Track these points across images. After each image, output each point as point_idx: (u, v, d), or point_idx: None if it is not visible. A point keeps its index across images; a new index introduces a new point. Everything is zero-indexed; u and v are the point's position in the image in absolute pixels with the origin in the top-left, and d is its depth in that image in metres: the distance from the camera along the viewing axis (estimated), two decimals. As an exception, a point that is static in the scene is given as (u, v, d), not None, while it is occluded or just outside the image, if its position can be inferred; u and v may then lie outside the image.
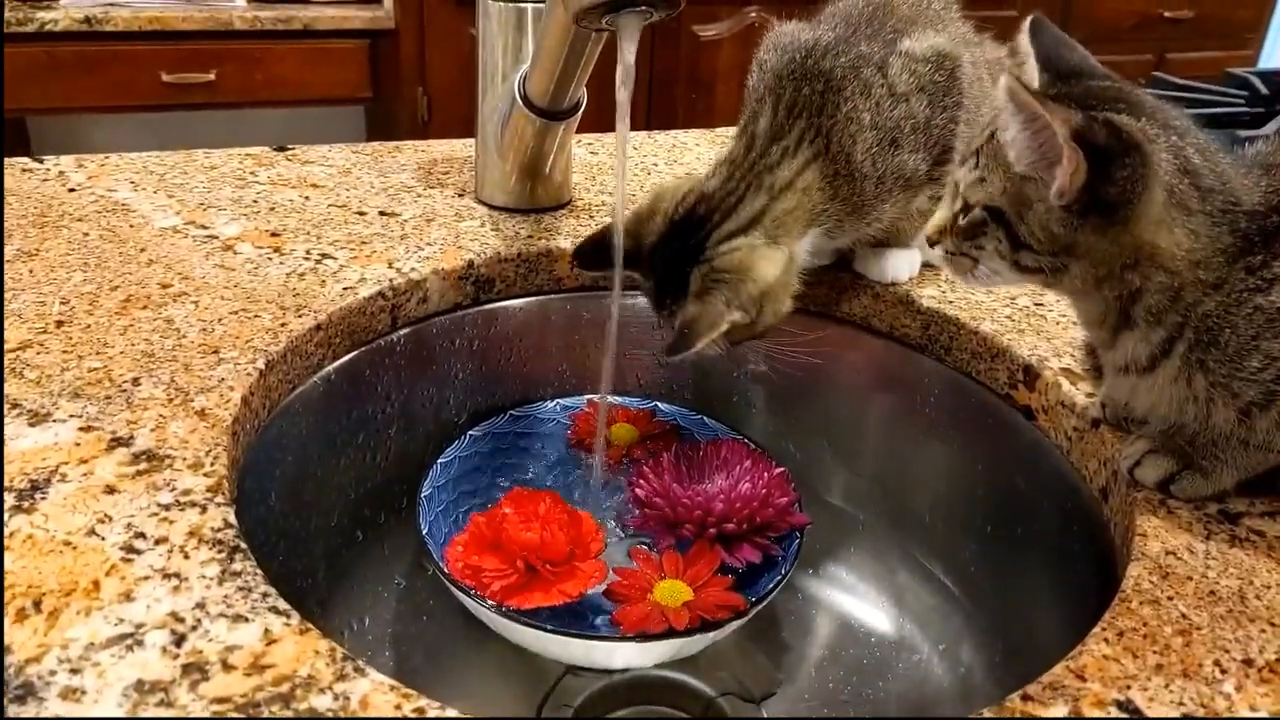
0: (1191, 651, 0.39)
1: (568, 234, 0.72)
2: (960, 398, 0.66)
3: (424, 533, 0.60)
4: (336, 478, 0.64)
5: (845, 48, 0.62)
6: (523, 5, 0.70)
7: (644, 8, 0.53)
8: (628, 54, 0.53)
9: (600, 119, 0.73)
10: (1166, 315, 0.44)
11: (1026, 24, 0.51)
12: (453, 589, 0.56)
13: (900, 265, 0.68)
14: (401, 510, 0.70)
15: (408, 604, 0.69)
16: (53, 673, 0.35)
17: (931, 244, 0.50)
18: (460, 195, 0.78)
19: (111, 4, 1.95)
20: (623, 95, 0.55)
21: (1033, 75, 0.49)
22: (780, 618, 0.70)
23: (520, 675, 0.65)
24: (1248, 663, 0.39)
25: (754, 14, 2.29)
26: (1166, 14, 2.74)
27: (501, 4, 0.70)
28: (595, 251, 0.63)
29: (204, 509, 0.43)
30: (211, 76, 1.99)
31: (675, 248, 0.59)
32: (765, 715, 0.64)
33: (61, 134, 2.38)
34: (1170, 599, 0.42)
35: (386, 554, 0.69)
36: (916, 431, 0.69)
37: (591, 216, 0.76)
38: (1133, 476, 0.50)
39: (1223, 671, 0.38)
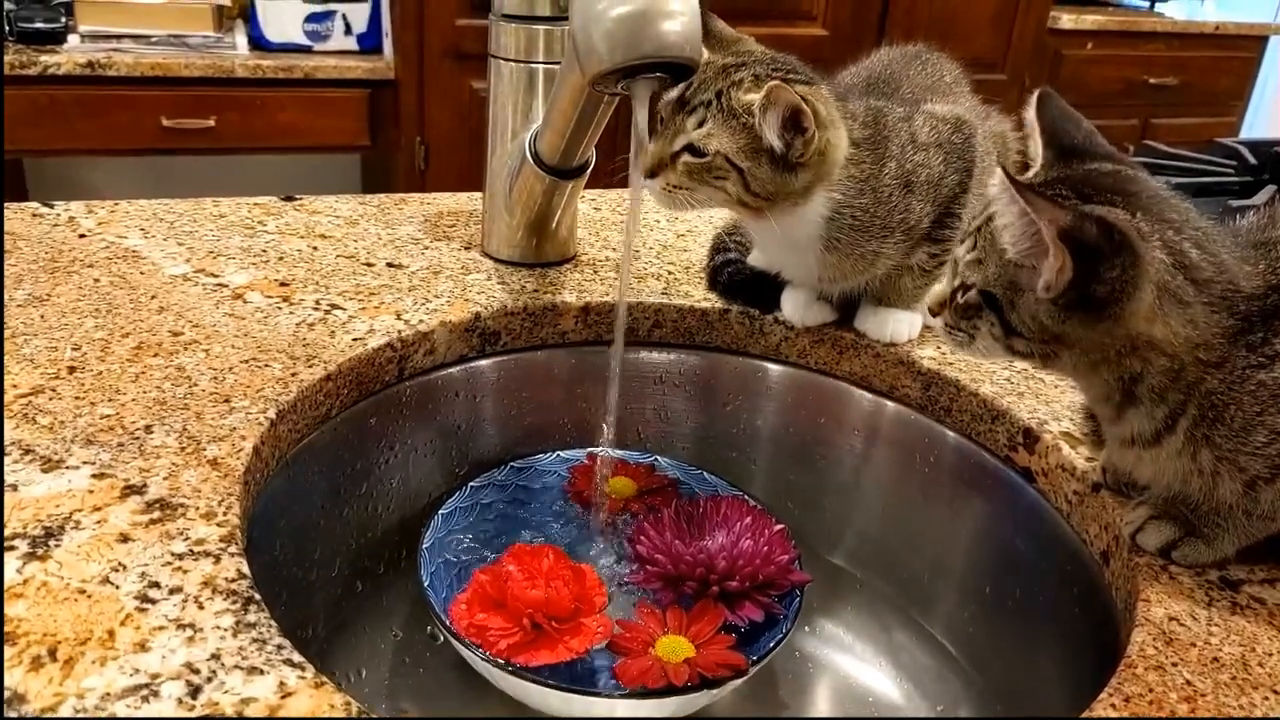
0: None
1: (572, 289, 0.73)
2: (960, 458, 0.67)
3: (426, 586, 0.60)
4: (339, 527, 0.64)
5: (873, 100, 0.65)
6: (534, 66, 0.71)
7: (658, 74, 0.54)
8: (641, 119, 0.55)
9: (601, 175, 0.75)
10: (1169, 393, 0.45)
11: (1034, 97, 0.52)
12: (459, 647, 0.56)
13: (900, 326, 0.70)
14: (401, 561, 0.69)
15: (405, 656, 0.68)
16: (67, 724, 0.35)
17: (933, 314, 0.52)
18: (466, 248, 0.79)
19: (115, 49, 1.98)
20: (635, 161, 0.56)
21: (1038, 149, 0.51)
22: (778, 676, 0.70)
23: (517, 730, 0.64)
24: (1252, 729, 0.39)
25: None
26: (1152, 81, 2.83)
27: (513, 64, 0.72)
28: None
29: (217, 559, 0.44)
30: (212, 122, 2.01)
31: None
32: (765, 775, 0.63)
33: (59, 176, 2.39)
34: (1175, 665, 0.43)
35: (385, 605, 0.69)
36: (915, 491, 0.70)
37: (595, 271, 0.77)
38: (1135, 542, 0.50)
39: (1228, 738, 0.39)
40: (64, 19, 1.98)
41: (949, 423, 0.67)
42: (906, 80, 0.66)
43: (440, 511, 0.66)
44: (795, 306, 0.71)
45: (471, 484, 0.70)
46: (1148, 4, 3.01)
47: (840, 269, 0.65)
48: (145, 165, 2.42)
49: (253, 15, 2.10)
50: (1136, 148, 1.09)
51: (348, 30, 2.16)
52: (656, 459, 0.74)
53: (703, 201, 0.60)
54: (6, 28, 1.96)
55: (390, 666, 0.67)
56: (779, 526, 0.66)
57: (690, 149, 0.58)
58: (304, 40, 2.13)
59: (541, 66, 0.71)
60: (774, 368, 0.74)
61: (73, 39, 1.99)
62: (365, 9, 2.16)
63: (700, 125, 0.58)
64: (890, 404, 0.70)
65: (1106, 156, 0.50)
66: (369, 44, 2.17)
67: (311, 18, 2.13)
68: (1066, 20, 2.66)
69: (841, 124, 0.61)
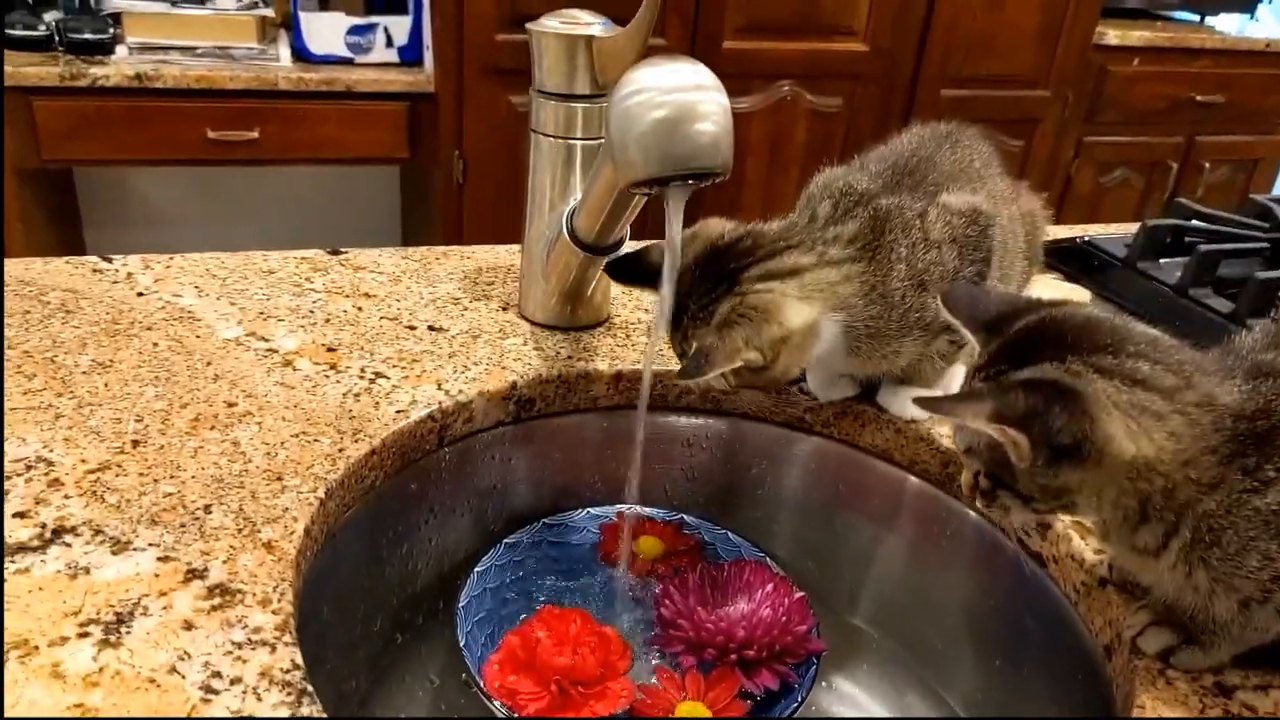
0: (1184, 838, 0.42)
1: (605, 355, 0.76)
2: (975, 534, 0.69)
3: (462, 645, 0.64)
4: (380, 586, 0.68)
5: (890, 193, 0.66)
6: (572, 143, 0.74)
7: (690, 181, 0.57)
8: (674, 226, 0.58)
9: (637, 233, 0.77)
10: (1165, 512, 0.47)
11: (939, 301, 0.56)
12: (491, 706, 0.59)
13: (920, 404, 0.72)
14: (438, 613, 0.73)
15: (440, 705, 0.72)
16: (142, 818, 0.39)
17: (970, 501, 0.54)
18: (504, 309, 0.82)
19: (162, 61, 2.03)
20: (668, 270, 0.59)
21: (969, 338, 0.53)
22: (794, 733, 0.73)
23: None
24: None
25: (786, 88, 2.35)
26: (1198, 98, 2.80)
27: (551, 139, 0.75)
28: (629, 267, 0.69)
29: (273, 648, 0.47)
30: (255, 134, 2.05)
31: (710, 271, 0.63)
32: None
33: (108, 186, 2.45)
34: (1166, 779, 0.45)
35: (423, 655, 0.72)
36: (932, 561, 0.73)
37: (628, 336, 0.80)
38: (1135, 645, 0.53)
39: None
40: (112, 30, 2.04)
41: (967, 500, 0.69)
42: (933, 169, 0.68)
43: (476, 569, 0.70)
44: (819, 382, 0.74)
45: (506, 541, 0.73)
46: (1198, 18, 2.98)
47: (864, 366, 0.68)
48: (191, 175, 2.48)
49: (296, 27, 2.14)
50: (1167, 206, 1.10)
51: (389, 43, 2.20)
52: (683, 517, 0.77)
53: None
54: (56, 38, 2.02)
55: (427, 713, 0.71)
56: (799, 595, 0.69)
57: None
58: (346, 52, 2.17)
59: (580, 144, 0.74)
60: (798, 436, 0.76)
61: (120, 50, 2.04)
62: (407, 22, 2.19)
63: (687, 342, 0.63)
64: (911, 478, 0.73)
65: (1026, 308, 0.52)
66: (410, 57, 2.21)
67: (354, 30, 2.17)
68: (1113, 36, 2.63)
69: (794, 301, 0.62)
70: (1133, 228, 1.05)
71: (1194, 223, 1.04)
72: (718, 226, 0.67)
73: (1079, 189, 2.75)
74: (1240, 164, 2.95)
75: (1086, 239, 1.05)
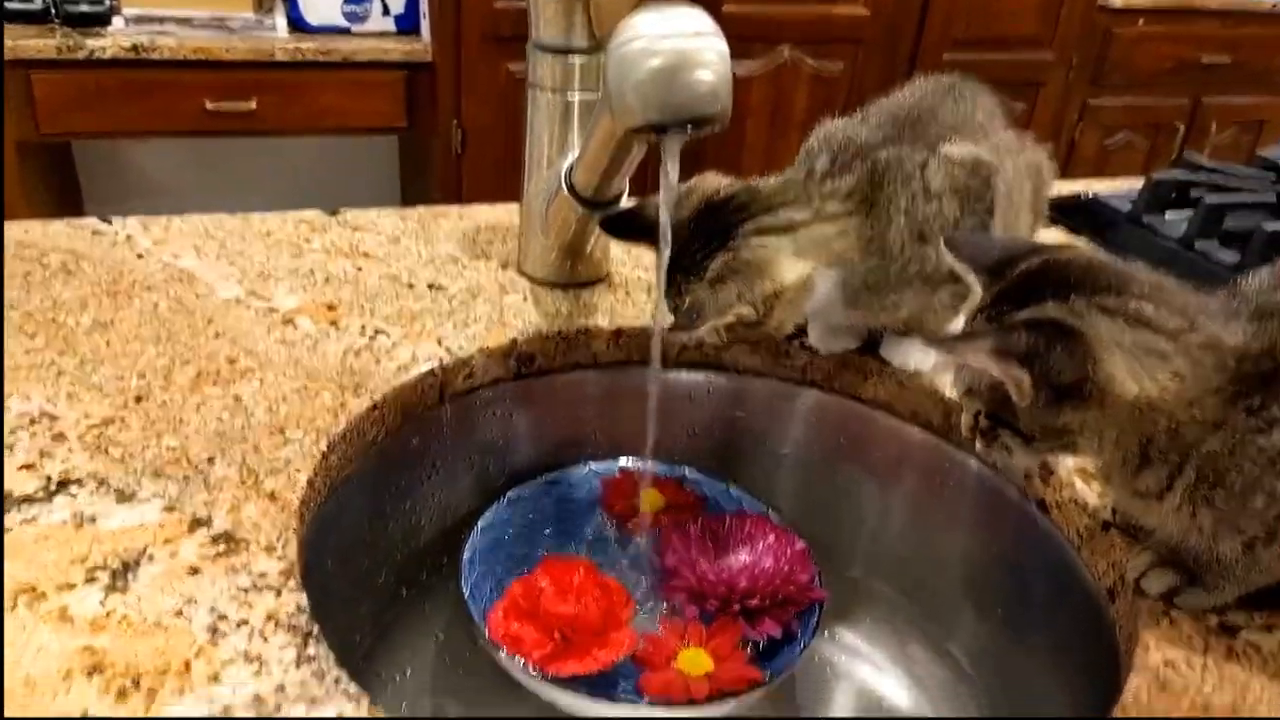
0: (1184, 767, 0.42)
1: (604, 312, 0.76)
2: (977, 484, 0.69)
3: (467, 596, 0.64)
4: (384, 541, 0.69)
5: (891, 145, 0.66)
6: (570, 98, 0.74)
7: (689, 128, 0.57)
8: (671, 171, 0.57)
9: (635, 186, 0.77)
10: (1169, 453, 0.47)
11: (942, 245, 0.56)
12: (496, 655, 0.60)
13: (924, 355, 0.72)
14: (443, 568, 0.73)
15: (446, 658, 0.72)
16: (152, 754, 0.39)
17: (969, 443, 0.54)
18: (504, 267, 0.82)
19: (159, 32, 2.01)
20: (664, 216, 0.59)
21: (973, 282, 0.53)
22: (797, 681, 0.73)
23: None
24: (1235, 779, 0.42)
25: (787, 53, 2.33)
26: (1204, 59, 2.76)
27: (549, 94, 0.74)
28: (624, 223, 0.68)
29: (279, 593, 0.48)
30: (253, 105, 2.04)
31: (705, 226, 0.63)
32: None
33: (106, 158, 2.45)
34: (1167, 711, 0.45)
35: (427, 610, 0.73)
36: (935, 512, 0.73)
37: (628, 293, 0.80)
38: (1139, 586, 0.53)
39: (1212, 788, 0.42)
40: (108, 1, 2.02)
41: (969, 449, 0.69)
42: (935, 121, 0.67)
43: (479, 524, 0.70)
44: (821, 334, 0.73)
45: (508, 496, 0.74)
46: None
47: (864, 318, 0.68)
48: (190, 148, 2.47)
49: (292, -4, 2.12)
50: (1176, 160, 1.09)
51: (385, 11, 2.18)
52: (685, 471, 0.78)
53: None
54: (53, 10, 2.00)
55: (432, 667, 0.72)
56: (800, 545, 0.69)
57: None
58: (342, 22, 2.15)
59: (577, 97, 0.73)
60: (800, 390, 0.76)
61: (117, 21, 2.03)
62: (403, -10, 2.17)
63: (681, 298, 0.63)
64: (913, 429, 0.73)
65: (1030, 252, 0.52)
66: (406, 25, 2.19)
67: (350, -1, 2.15)
68: (1118, -3, 2.60)
69: (788, 256, 0.62)
70: (1138, 183, 1.04)
71: (1201, 176, 1.03)
72: (714, 181, 0.67)
73: (1083, 152, 2.73)
74: (1247, 125, 2.92)
75: (1091, 194, 1.04)
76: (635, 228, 0.68)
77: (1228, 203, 0.94)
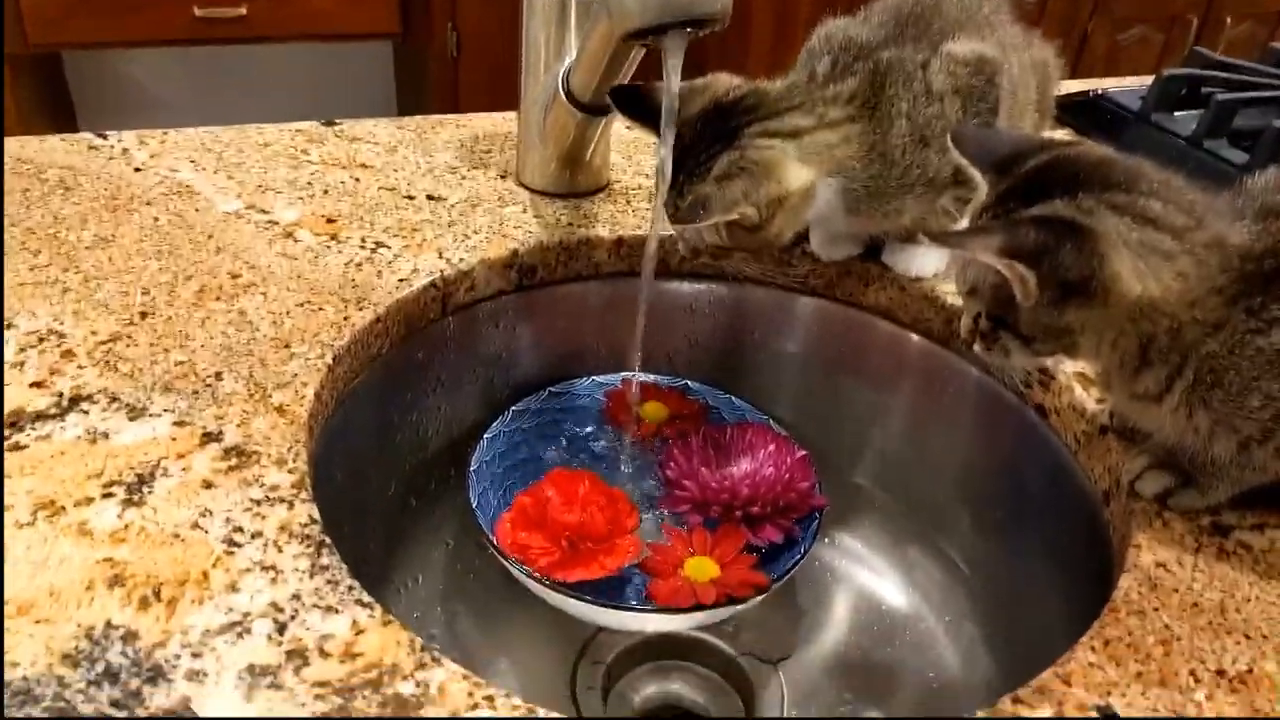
0: (1170, 661, 0.44)
1: (605, 221, 0.76)
2: (978, 391, 0.70)
3: (475, 506, 0.66)
4: (392, 452, 0.70)
5: (893, 45, 0.64)
6: (567, -1, 0.72)
7: (689, 29, 0.55)
8: (673, 75, 0.56)
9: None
10: (1170, 354, 0.47)
11: (948, 140, 0.54)
12: (505, 563, 0.62)
13: (926, 261, 0.72)
14: (450, 478, 0.75)
15: (456, 565, 0.75)
16: (177, 656, 0.41)
17: (968, 345, 0.53)
18: (502, 177, 0.81)
19: (143, -65, 1.95)
20: (666, 120, 0.58)
21: (978, 179, 0.52)
22: (798, 585, 0.76)
23: (557, 632, 0.71)
24: (1220, 673, 0.44)
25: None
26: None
27: (546, -4, 0.72)
28: (636, 100, 0.66)
29: (291, 504, 0.49)
30: (243, 11, 1.99)
31: (713, 125, 0.62)
32: (782, 678, 0.70)
33: (97, 70, 2.40)
34: (1156, 610, 0.47)
35: (436, 519, 0.75)
36: (934, 418, 0.74)
37: (629, 202, 0.79)
38: (1134, 488, 0.54)
39: (1196, 681, 0.43)
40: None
41: (968, 356, 0.70)
42: (938, 16, 0.66)
43: (485, 436, 0.71)
44: (822, 241, 0.73)
45: (513, 409, 0.74)
46: None
47: (866, 225, 0.67)
48: (182, 59, 2.41)
49: (278, -105, 2.04)
50: (1186, 56, 1.06)
51: (375, -91, 2.10)
52: (687, 383, 0.78)
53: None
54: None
55: (443, 575, 0.74)
56: (801, 453, 0.70)
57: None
58: (332, -79, 2.08)
59: (574, -1, 0.72)
60: (801, 298, 0.76)
61: (100, -76, 1.96)
62: (392, -114, 2.09)
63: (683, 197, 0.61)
64: (914, 336, 0.73)
65: (1039, 148, 0.51)
66: (397, -76, 2.12)
67: (338, -104, 2.07)
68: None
69: (794, 161, 0.61)
70: (1148, 80, 1.02)
71: (1212, 73, 1.01)
72: (726, 81, 0.66)
73: (1095, 47, 2.65)
74: (1263, 18, 2.83)
75: (1099, 92, 1.02)
76: (644, 107, 0.65)
77: (1238, 99, 0.92)
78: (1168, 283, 0.46)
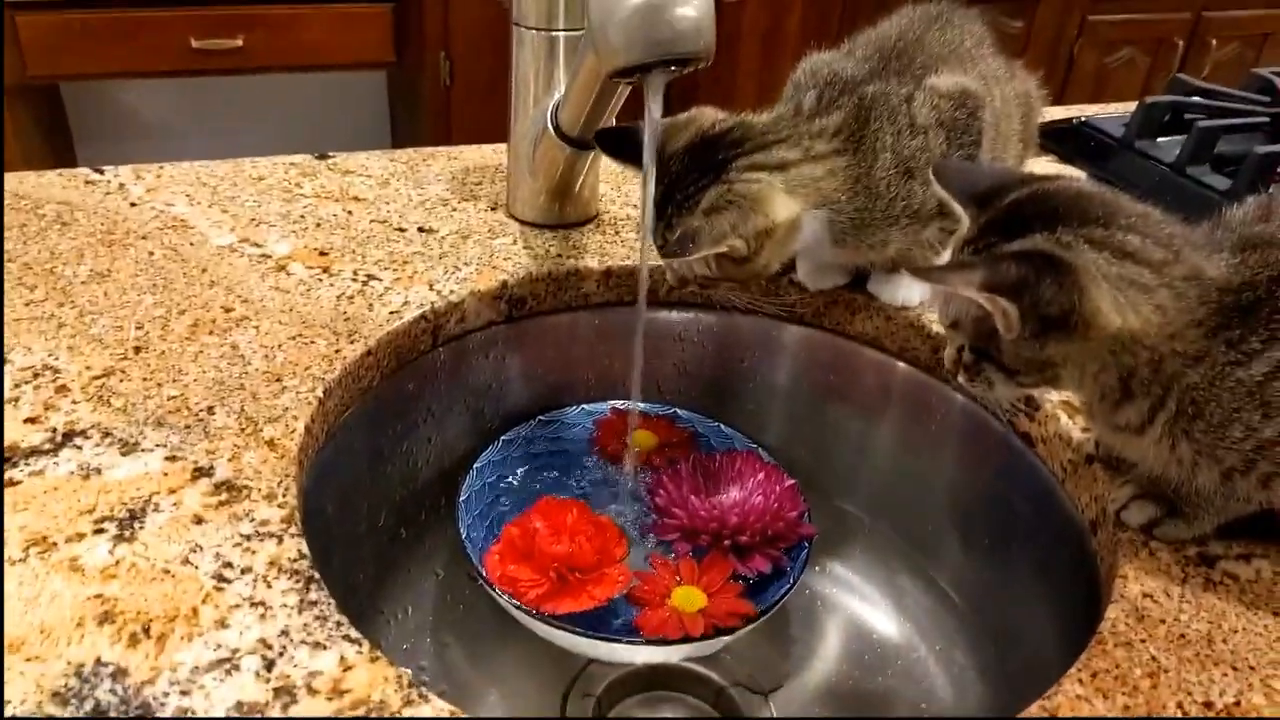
0: (1157, 694, 0.44)
1: (594, 252, 0.77)
2: (964, 419, 0.70)
3: (464, 538, 0.66)
4: (383, 482, 0.70)
5: (877, 79, 0.65)
6: (554, 35, 0.73)
7: (673, 67, 0.56)
8: (654, 109, 0.57)
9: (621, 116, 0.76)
10: (1151, 386, 0.48)
11: (930, 174, 0.55)
12: (493, 594, 0.62)
13: (912, 290, 0.72)
14: (440, 508, 0.75)
15: (446, 596, 0.75)
16: (166, 694, 0.41)
17: (952, 377, 0.54)
18: (493, 209, 0.82)
19: (141, -32, 1.97)
20: (648, 155, 0.59)
21: (960, 212, 0.53)
22: (789, 614, 0.76)
23: (547, 663, 0.71)
24: (1208, 705, 0.44)
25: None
26: (1205, -31, 2.70)
27: (534, 32, 0.73)
28: (620, 140, 0.67)
29: (280, 539, 0.49)
30: (239, 42, 2.01)
31: (700, 159, 0.63)
32: (773, 708, 0.70)
33: (95, 101, 2.41)
34: (1143, 641, 0.47)
35: (427, 549, 0.75)
36: (922, 446, 0.74)
37: (617, 232, 0.80)
38: (1119, 518, 0.54)
39: (1184, 713, 0.43)
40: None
41: (956, 385, 0.70)
42: (921, 51, 0.67)
43: (475, 465, 0.72)
44: (809, 271, 0.74)
45: (503, 438, 0.75)
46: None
47: (852, 256, 0.68)
48: (179, 89, 2.43)
49: (275, -73, 2.07)
50: (1168, 84, 1.08)
51: (371, -59, 2.13)
52: (676, 411, 0.79)
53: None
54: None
55: (434, 605, 0.74)
56: (789, 482, 0.71)
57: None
58: (327, -48, 2.10)
59: (562, 35, 0.73)
60: (789, 327, 0.77)
61: (99, -43, 1.99)
62: (387, -82, 2.12)
63: (671, 230, 0.62)
64: (901, 364, 0.74)
65: (1019, 182, 0.52)
66: (392, -45, 2.14)
67: (334, -72, 2.09)
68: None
69: (781, 194, 0.62)
70: (1131, 107, 1.03)
71: (1194, 99, 1.02)
72: (711, 115, 0.67)
73: (1082, 69, 2.68)
74: (1249, 40, 2.87)
75: (1083, 119, 1.03)
76: (628, 146, 0.66)
77: (1220, 125, 0.93)
78: (1147, 316, 0.46)
